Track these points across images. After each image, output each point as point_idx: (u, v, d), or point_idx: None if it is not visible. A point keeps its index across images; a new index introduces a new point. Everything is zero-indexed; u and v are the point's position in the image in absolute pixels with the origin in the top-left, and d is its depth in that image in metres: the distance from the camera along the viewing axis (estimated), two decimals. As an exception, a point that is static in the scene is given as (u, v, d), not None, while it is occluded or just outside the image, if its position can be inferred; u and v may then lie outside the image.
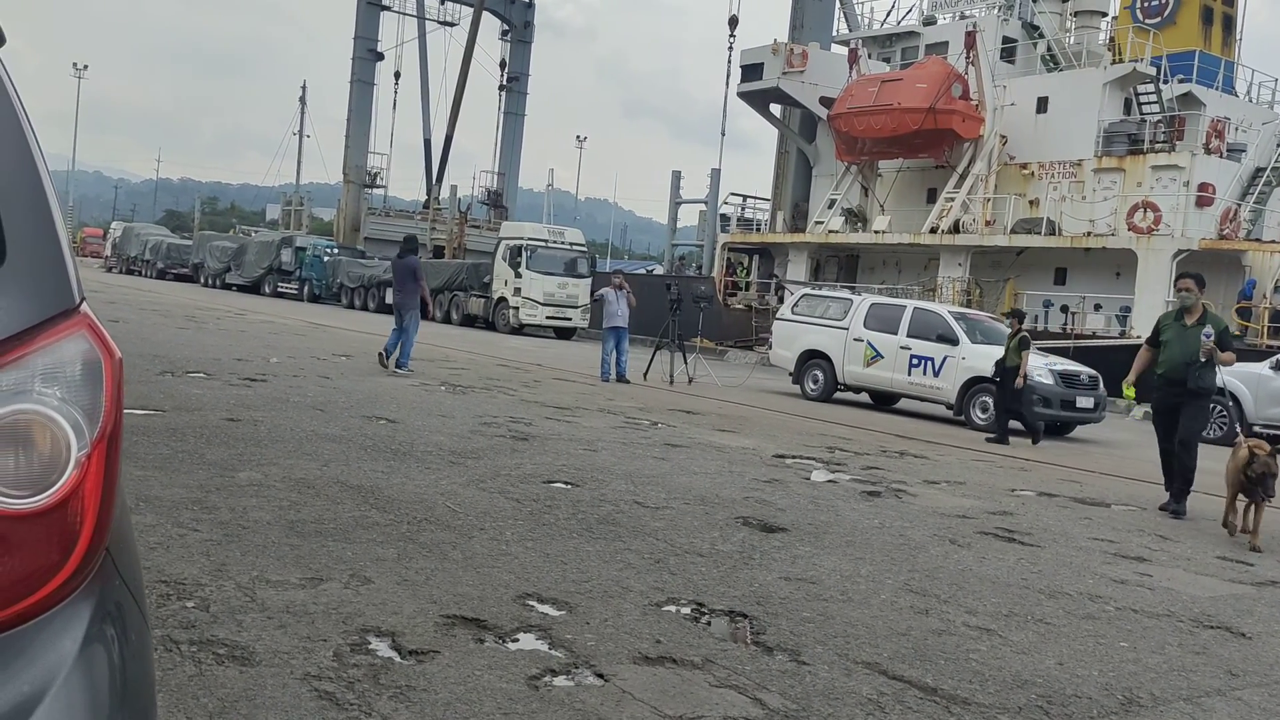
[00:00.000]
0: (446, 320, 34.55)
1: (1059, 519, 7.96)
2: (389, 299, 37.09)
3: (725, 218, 39.60)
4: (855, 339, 17.00)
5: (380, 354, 14.78)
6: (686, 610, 4.54)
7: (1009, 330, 14.08)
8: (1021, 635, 4.65)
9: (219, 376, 11.48)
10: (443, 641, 3.81)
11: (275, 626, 3.78)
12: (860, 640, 4.32)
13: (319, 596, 4.17)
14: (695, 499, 7.09)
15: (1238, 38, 33.13)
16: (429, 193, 54.62)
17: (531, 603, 4.40)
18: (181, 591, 4.07)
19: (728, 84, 38.02)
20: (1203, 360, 8.49)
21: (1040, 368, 15.01)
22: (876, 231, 32.14)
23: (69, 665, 1.33)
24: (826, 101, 33.68)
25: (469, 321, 33.64)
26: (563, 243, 32.55)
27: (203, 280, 48.21)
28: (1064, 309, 27.60)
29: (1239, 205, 26.59)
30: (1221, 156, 27.19)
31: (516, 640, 3.93)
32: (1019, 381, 13.37)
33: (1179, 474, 8.71)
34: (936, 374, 15.81)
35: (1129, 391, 9.03)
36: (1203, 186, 26.32)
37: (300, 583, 4.33)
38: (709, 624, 4.40)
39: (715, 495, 7.31)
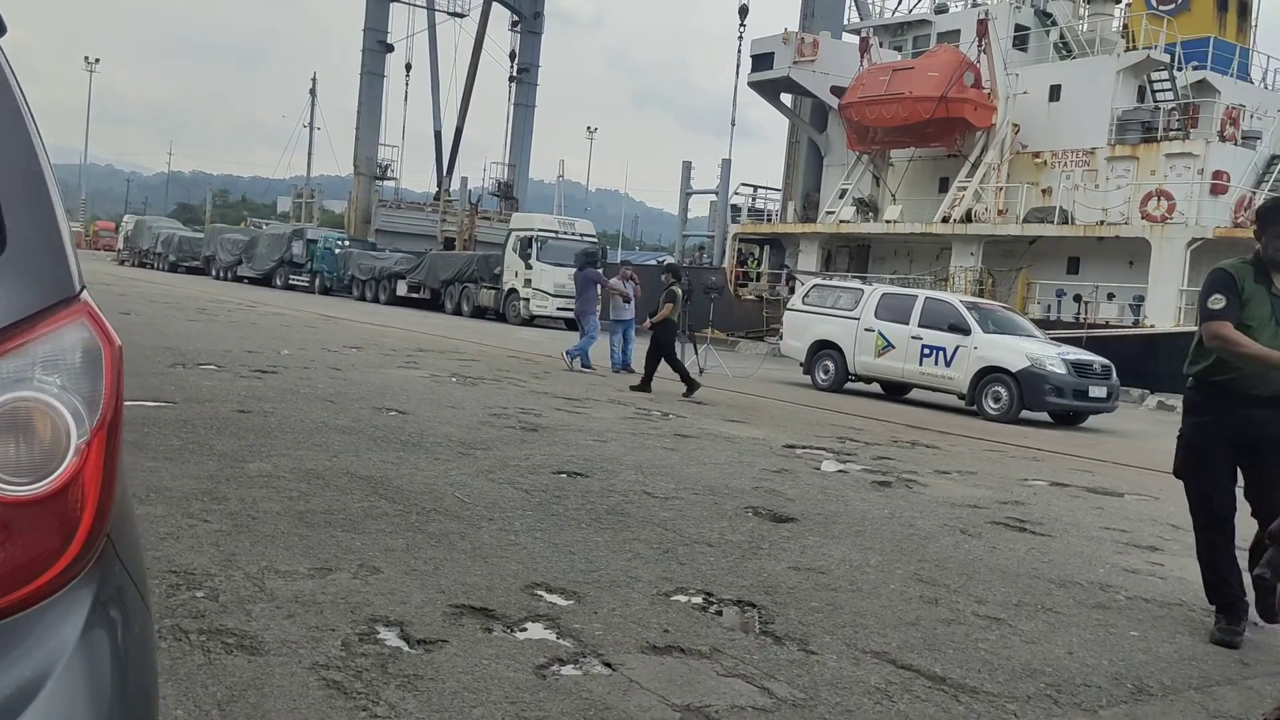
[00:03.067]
0: (457, 312, 34.62)
1: (1071, 508, 7.93)
2: (400, 291, 37.60)
3: (736, 208, 39.50)
4: (866, 329, 16.96)
5: (580, 368, 16.30)
6: (695, 600, 4.54)
7: (666, 284, 15.09)
8: (1031, 625, 4.64)
9: (230, 368, 11.51)
10: (451, 631, 3.82)
11: (284, 616, 3.79)
12: (869, 630, 4.31)
13: (328, 586, 4.18)
14: (704, 489, 7.08)
15: (1253, 24, 32.85)
16: (440, 184, 54.71)
17: (540, 592, 4.40)
18: (191, 581, 4.08)
19: (738, 74, 37.98)
20: None
21: (1052, 357, 14.97)
22: (888, 221, 32.02)
23: (70, 650, 1.33)
24: (838, 91, 33.53)
25: (480, 313, 33.68)
26: (573, 234, 32.56)
27: (214, 273, 48.38)
28: (1077, 298, 27.48)
29: (1254, 193, 26.36)
30: (1236, 144, 26.96)
31: (525, 629, 3.93)
32: (647, 322, 14.68)
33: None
34: (948, 364, 15.76)
35: None
36: (1217, 174, 26.12)
37: (309, 573, 4.34)
38: (717, 614, 4.40)
39: (725, 485, 7.30)
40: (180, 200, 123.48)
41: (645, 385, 14.02)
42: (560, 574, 4.69)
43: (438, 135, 56.23)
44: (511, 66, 55.77)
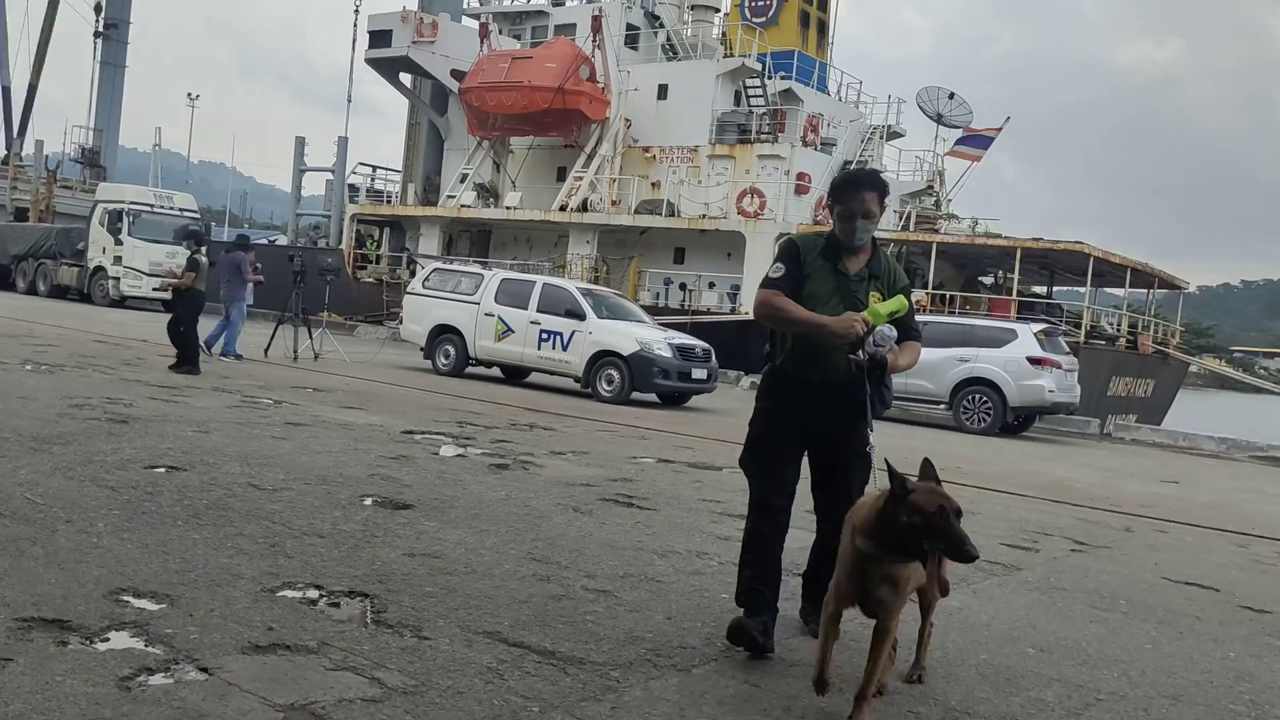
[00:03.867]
0: (31, 291, 31.04)
1: (674, 483, 8.46)
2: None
3: (354, 188, 38.36)
4: (486, 314, 17.12)
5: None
6: (303, 594, 4.35)
7: (189, 250, 14.39)
8: (635, 595, 4.89)
9: None
10: (16, 648, 3.39)
11: None
12: (483, 611, 4.35)
13: None
14: (317, 479, 6.82)
15: (830, 42, 36.65)
16: (9, 148, 48.63)
17: (126, 598, 4.02)
18: None
19: (354, 49, 36.85)
20: (859, 361, 4.14)
21: (660, 341, 15.90)
22: (508, 208, 32.50)
23: None
24: (458, 74, 33.49)
25: (60, 293, 30.38)
26: (171, 208, 30.16)
27: None
28: (682, 286, 29.40)
29: (829, 195, 29.47)
30: (816, 149, 30.05)
31: (107, 640, 3.58)
32: (165, 281, 16.37)
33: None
34: (565, 348, 16.28)
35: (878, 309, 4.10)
36: (800, 176, 28.95)
37: None
38: (327, 606, 4.25)
39: (339, 474, 7.07)
40: None
41: (193, 363, 13.04)
42: (151, 576, 4.32)
43: (5, 91, 49.80)
44: (97, 21, 50.45)
